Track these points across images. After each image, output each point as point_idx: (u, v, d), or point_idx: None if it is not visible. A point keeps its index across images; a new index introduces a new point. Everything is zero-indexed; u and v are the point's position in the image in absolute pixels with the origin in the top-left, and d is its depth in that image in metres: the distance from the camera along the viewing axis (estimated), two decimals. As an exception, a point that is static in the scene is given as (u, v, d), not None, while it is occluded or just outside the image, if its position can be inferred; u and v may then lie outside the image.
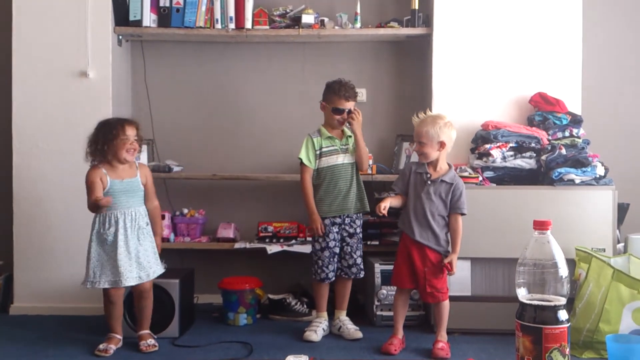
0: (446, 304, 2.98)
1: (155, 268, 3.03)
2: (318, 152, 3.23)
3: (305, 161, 3.22)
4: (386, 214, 2.92)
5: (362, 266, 3.28)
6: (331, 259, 3.21)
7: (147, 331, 3.04)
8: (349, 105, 3.22)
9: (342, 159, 3.26)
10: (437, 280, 2.94)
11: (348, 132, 3.29)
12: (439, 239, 2.95)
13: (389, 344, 2.95)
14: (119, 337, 3.01)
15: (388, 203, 2.93)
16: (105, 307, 3.02)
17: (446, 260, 2.93)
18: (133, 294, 3.03)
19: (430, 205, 2.94)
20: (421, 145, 2.94)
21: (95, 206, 2.94)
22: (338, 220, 3.23)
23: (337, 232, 3.23)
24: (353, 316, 3.58)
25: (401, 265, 3.01)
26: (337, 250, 3.23)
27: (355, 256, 3.26)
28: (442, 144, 2.94)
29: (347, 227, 3.25)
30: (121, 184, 2.99)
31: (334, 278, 3.24)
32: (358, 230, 3.29)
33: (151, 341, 3.00)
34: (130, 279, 2.92)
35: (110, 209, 2.95)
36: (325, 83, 3.33)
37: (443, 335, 2.98)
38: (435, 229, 2.94)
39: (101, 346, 2.93)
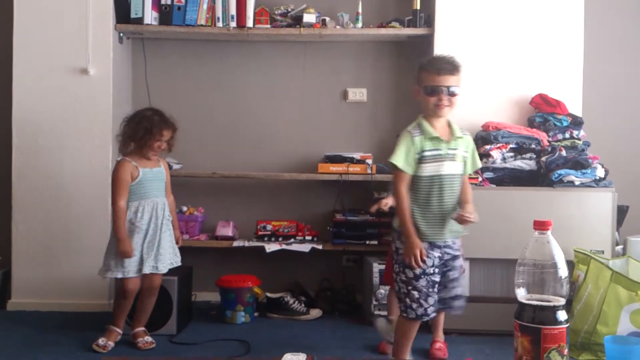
0: None
1: (172, 260, 3.05)
2: (418, 156, 2.46)
3: (402, 166, 2.44)
4: (386, 205, 2.90)
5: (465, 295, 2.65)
6: (431, 290, 2.47)
7: (143, 328, 3.04)
8: (446, 81, 2.47)
9: (450, 168, 2.49)
10: None
11: (457, 132, 2.55)
12: None
13: (386, 344, 2.94)
14: (120, 331, 3.00)
15: (390, 202, 2.92)
16: (116, 299, 3.03)
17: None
18: (141, 289, 3.00)
19: None
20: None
21: (120, 240, 2.90)
22: (440, 242, 2.50)
23: (438, 257, 2.48)
24: (350, 315, 3.60)
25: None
26: (437, 278, 2.49)
27: (459, 284, 2.59)
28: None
29: (448, 250, 2.53)
30: (151, 173, 3.01)
31: (434, 314, 2.55)
32: (460, 251, 2.60)
33: (148, 338, 3.00)
34: (148, 267, 2.92)
35: (142, 197, 2.96)
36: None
37: (440, 336, 2.97)
38: None
39: (100, 341, 2.92)
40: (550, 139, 3.44)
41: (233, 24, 3.73)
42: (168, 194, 3.14)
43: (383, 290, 3.37)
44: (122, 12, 3.74)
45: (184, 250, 3.84)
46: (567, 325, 1.69)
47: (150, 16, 3.74)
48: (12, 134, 3.65)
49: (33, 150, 3.64)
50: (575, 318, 2.92)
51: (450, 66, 2.50)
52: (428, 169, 2.46)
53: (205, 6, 3.74)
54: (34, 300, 3.62)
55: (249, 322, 3.47)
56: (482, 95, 3.64)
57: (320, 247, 3.69)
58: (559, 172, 3.23)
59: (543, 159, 3.35)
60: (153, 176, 3.01)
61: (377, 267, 3.41)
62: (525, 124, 3.59)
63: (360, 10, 3.75)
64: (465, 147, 2.56)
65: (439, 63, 2.51)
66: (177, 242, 3.12)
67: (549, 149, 3.38)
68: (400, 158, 2.44)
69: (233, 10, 3.72)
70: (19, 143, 3.64)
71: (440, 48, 3.64)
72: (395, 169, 2.46)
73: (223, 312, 3.49)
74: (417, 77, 2.54)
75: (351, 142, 3.98)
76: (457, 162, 2.51)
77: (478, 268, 3.26)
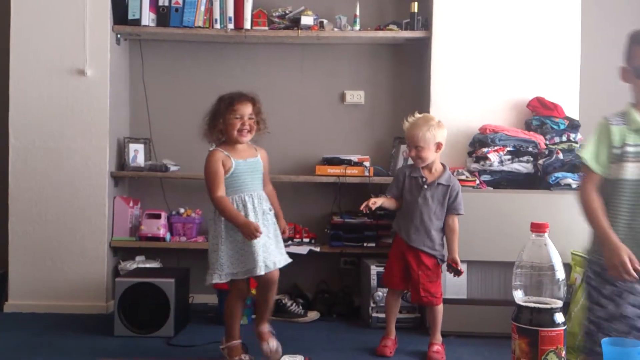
0: (440, 307, 2.98)
1: (281, 256, 2.74)
2: (618, 151, 1.95)
3: (591, 163, 2.00)
4: (372, 210, 2.87)
5: None
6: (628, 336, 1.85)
7: (268, 327, 2.77)
8: None
9: None
10: (431, 284, 2.93)
11: None
12: (434, 244, 2.94)
13: (383, 346, 2.94)
14: (240, 341, 2.77)
15: (380, 202, 2.91)
16: (228, 306, 2.78)
17: (449, 260, 2.89)
18: (258, 285, 2.76)
19: (427, 210, 2.92)
20: (419, 150, 2.90)
21: (243, 225, 2.60)
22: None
23: None
24: (348, 318, 3.59)
25: (393, 267, 3.00)
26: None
27: None
28: (439, 145, 2.92)
29: None
30: (245, 164, 2.72)
31: None
32: None
33: (273, 344, 2.72)
34: (262, 267, 2.62)
35: (237, 191, 2.69)
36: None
37: (438, 338, 2.97)
38: (432, 234, 2.93)
39: None
40: (547, 142, 3.44)
41: (231, 25, 3.73)
42: (267, 184, 2.85)
43: (381, 293, 3.37)
44: (120, 14, 3.74)
45: (181, 253, 3.87)
46: (564, 328, 1.69)
47: (148, 17, 3.74)
48: (9, 135, 3.64)
49: (30, 151, 3.63)
50: (572, 321, 2.92)
51: None
52: (633, 170, 1.91)
53: (202, 8, 3.74)
54: (30, 302, 3.61)
55: (246, 324, 3.46)
56: (480, 98, 3.65)
57: (317, 249, 3.69)
58: (556, 175, 3.24)
59: (540, 162, 3.35)
60: (248, 167, 2.72)
61: (374, 269, 3.41)
62: (523, 127, 3.60)
63: (358, 13, 3.76)
64: None
65: None
66: (283, 233, 2.82)
67: (546, 152, 3.39)
68: (588, 152, 1.95)
69: (231, 12, 3.73)
70: (15, 144, 3.64)
71: (438, 51, 3.66)
72: (582, 166, 1.98)
73: (221, 314, 3.47)
74: (626, 53, 2.03)
75: (349, 145, 3.98)
76: None
77: (476, 270, 3.26)
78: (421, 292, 2.92)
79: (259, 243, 2.62)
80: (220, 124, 2.70)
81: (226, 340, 2.77)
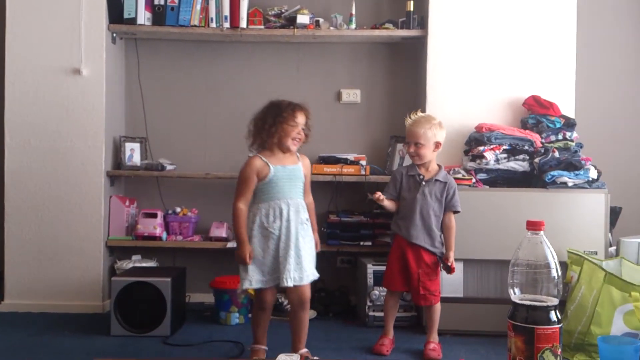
0: (438, 306, 2.99)
1: (313, 270, 2.66)
2: None
3: None
4: (380, 200, 2.89)
5: None
6: None
7: (305, 350, 2.68)
8: None
9: None
10: (430, 282, 2.94)
11: None
12: (434, 240, 2.95)
13: (381, 345, 2.94)
14: (265, 348, 2.76)
15: (385, 200, 2.93)
16: (254, 314, 2.76)
17: (445, 258, 2.93)
18: (290, 305, 2.71)
19: (426, 206, 2.94)
20: (418, 147, 2.93)
21: (240, 244, 2.61)
22: None
23: None
24: (344, 317, 3.59)
25: (394, 268, 3.00)
26: None
27: None
28: (437, 145, 2.95)
29: None
30: (284, 170, 2.65)
31: None
32: None
33: None
34: (291, 279, 2.56)
35: (274, 198, 2.62)
36: None
37: (434, 337, 2.98)
38: (431, 230, 2.94)
39: None
40: (543, 141, 3.45)
41: (226, 24, 3.73)
42: (307, 194, 2.76)
43: (377, 292, 3.37)
44: (115, 12, 3.73)
45: (177, 252, 3.87)
46: (560, 325, 1.69)
47: (144, 16, 3.73)
48: (4, 135, 3.63)
49: (26, 151, 3.62)
50: (569, 319, 2.93)
51: None
52: None
53: (198, 7, 3.73)
54: (26, 302, 3.60)
55: (243, 323, 3.46)
56: (476, 96, 3.65)
57: (314, 248, 3.68)
58: (552, 173, 3.24)
59: (536, 160, 3.36)
60: (288, 174, 2.65)
61: (371, 268, 3.41)
62: (519, 125, 3.60)
63: (354, 12, 3.75)
64: None
65: None
66: (315, 247, 2.73)
67: (542, 151, 3.39)
68: None
69: (226, 11, 3.72)
70: (11, 143, 3.63)
71: (434, 49, 3.66)
72: None
73: (217, 314, 3.48)
74: None
75: (345, 143, 3.98)
76: None
77: (472, 269, 3.26)
78: (421, 291, 2.92)
79: (291, 254, 2.58)
80: (273, 129, 2.64)
81: (253, 342, 2.77)
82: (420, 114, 3.04)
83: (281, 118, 2.62)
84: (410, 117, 3.01)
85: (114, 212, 3.76)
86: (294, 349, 2.68)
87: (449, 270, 2.94)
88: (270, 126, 2.63)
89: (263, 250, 2.62)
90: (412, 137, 2.94)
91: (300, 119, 2.66)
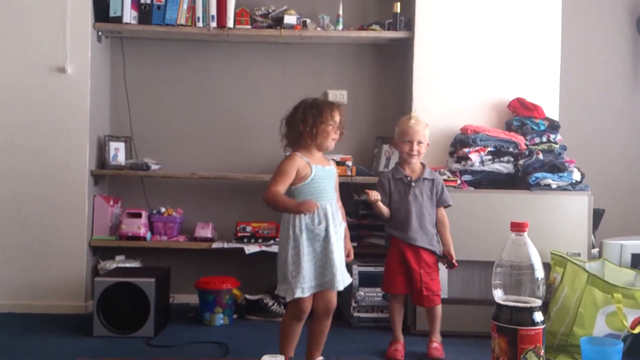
0: (440, 307, 3.00)
1: (347, 275, 2.57)
2: None
3: None
4: (375, 200, 2.89)
5: None
6: None
7: (321, 357, 2.62)
8: None
9: None
10: (433, 282, 2.95)
11: None
12: (431, 239, 2.96)
13: (394, 350, 2.92)
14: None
15: (380, 203, 2.92)
16: (284, 324, 2.57)
17: (444, 252, 2.96)
18: (314, 312, 2.55)
19: (420, 206, 2.95)
20: (420, 145, 2.96)
21: (299, 205, 2.40)
22: None
23: None
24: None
25: (395, 272, 2.98)
26: None
27: None
28: (427, 145, 3.01)
29: None
30: (323, 171, 2.56)
31: None
32: None
33: None
34: (341, 281, 2.48)
35: (318, 198, 2.48)
36: None
37: (437, 336, 3.00)
38: (427, 228, 2.95)
39: None
40: (527, 143, 3.47)
41: (213, 24, 3.72)
42: (338, 197, 2.66)
43: (362, 292, 3.37)
44: (101, 11, 3.70)
45: (162, 252, 3.85)
46: (543, 327, 1.70)
47: (130, 15, 3.71)
48: (-13, 133, 3.60)
49: (9, 149, 3.59)
50: (552, 320, 2.95)
51: None
52: None
53: (185, 6, 3.72)
54: (8, 302, 3.57)
55: (227, 324, 3.45)
56: (461, 98, 3.67)
57: (299, 248, 3.68)
58: (536, 175, 3.26)
59: (520, 162, 3.38)
60: (326, 174, 2.57)
61: (356, 269, 3.41)
62: (503, 127, 3.62)
63: (341, 13, 3.76)
64: None
65: None
66: (347, 256, 2.65)
67: (527, 153, 3.41)
68: None
69: (213, 11, 3.71)
70: (-6, 142, 3.59)
71: (420, 51, 3.67)
72: None
73: (201, 314, 3.46)
74: None
75: (331, 144, 3.98)
76: None
77: (456, 270, 3.25)
78: (424, 292, 2.92)
79: (340, 255, 2.52)
80: (314, 131, 2.54)
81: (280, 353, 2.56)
82: (413, 114, 3.06)
83: (321, 118, 2.54)
84: (410, 117, 3.01)
85: (97, 212, 3.73)
86: (310, 356, 2.61)
87: (452, 265, 2.96)
88: (311, 128, 2.53)
89: (310, 254, 2.49)
90: (414, 135, 2.95)
91: (338, 117, 2.60)
